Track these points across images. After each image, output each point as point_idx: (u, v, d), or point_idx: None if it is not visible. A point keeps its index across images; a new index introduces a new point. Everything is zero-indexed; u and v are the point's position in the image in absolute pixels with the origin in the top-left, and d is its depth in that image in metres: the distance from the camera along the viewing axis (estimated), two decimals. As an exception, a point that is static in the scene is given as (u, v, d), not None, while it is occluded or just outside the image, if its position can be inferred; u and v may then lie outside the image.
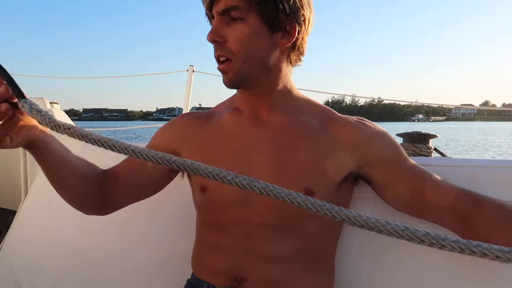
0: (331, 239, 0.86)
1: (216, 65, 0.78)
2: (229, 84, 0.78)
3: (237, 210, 0.79)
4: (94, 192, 0.80)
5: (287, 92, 0.82)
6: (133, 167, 0.85)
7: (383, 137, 0.81)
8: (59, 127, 0.44)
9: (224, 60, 0.76)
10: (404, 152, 0.81)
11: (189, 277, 0.90)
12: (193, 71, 3.08)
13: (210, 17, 0.78)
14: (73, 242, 1.15)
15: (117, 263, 1.11)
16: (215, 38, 0.75)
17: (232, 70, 0.76)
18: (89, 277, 1.11)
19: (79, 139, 0.42)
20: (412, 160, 0.81)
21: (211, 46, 0.85)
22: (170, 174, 0.89)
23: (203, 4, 0.78)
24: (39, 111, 0.46)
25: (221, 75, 0.79)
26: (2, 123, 0.55)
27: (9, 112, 0.54)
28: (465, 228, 0.74)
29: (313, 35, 0.83)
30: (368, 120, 0.83)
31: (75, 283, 1.12)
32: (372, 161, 0.79)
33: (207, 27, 0.83)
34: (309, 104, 0.84)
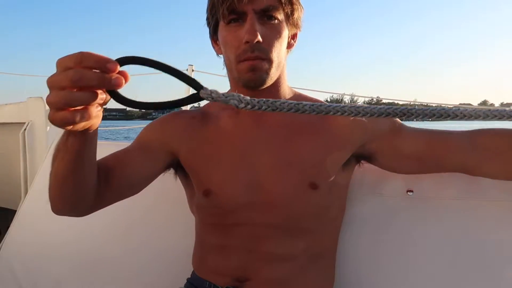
0: (333, 233, 0.86)
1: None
2: (255, 82, 0.74)
3: (243, 212, 0.78)
4: (92, 190, 0.67)
5: (285, 91, 0.83)
6: (123, 161, 0.77)
7: None
8: (263, 103, 0.40)
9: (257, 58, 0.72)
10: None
11: (189, 276, 0.90)
12: (193, 70, 3.08)
13: (239, 13, 0.72)
14: (73, 241, 1.16)
15: (117, 261, 1.11)
16: (259, 39, 0.70)
17: (263, 70, 0.73)
18: (89, 276, 1.12)
19: (288, 111, 0.40)
20: None
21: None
22: (159, 169, 0.82)
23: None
24: (235, 95, 0.41)
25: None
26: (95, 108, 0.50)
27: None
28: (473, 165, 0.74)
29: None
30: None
31: (76, 282, 1.12)
32: (372, 135, 0.79)
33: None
34: (302, 99, 0.85)
